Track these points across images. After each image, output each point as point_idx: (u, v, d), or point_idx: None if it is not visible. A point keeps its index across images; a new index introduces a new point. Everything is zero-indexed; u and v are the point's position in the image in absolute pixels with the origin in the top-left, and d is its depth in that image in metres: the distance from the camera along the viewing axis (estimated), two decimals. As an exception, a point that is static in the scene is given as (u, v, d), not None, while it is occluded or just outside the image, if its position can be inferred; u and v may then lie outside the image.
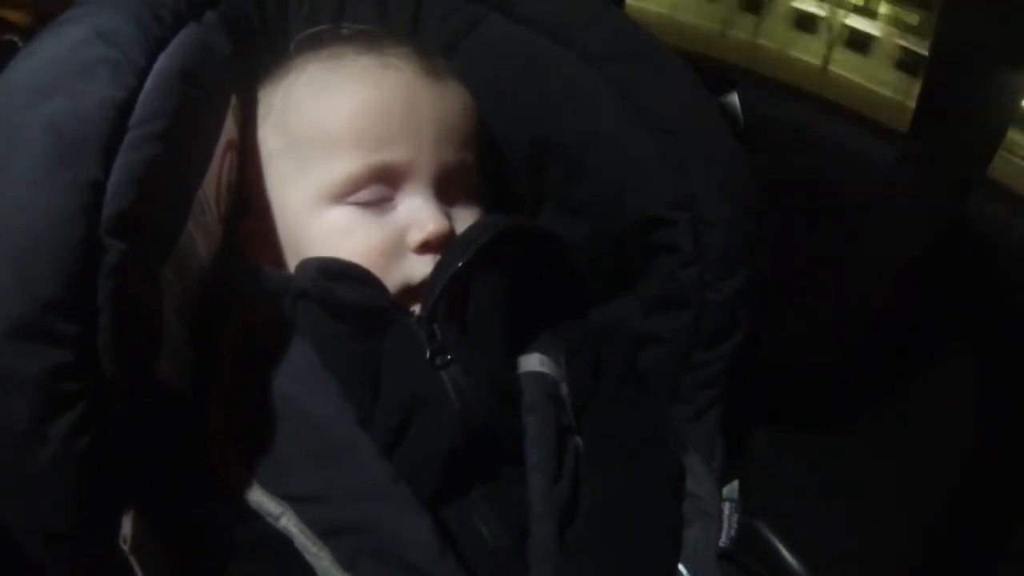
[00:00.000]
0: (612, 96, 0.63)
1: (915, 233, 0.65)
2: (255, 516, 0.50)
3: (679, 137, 0.62)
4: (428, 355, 0.55)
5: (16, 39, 0.70)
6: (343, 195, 0.59)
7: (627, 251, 0.65)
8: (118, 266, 0.43)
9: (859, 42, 1.61)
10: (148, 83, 0.48)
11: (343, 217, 0.59)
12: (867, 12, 1.66)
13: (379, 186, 0.59)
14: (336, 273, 0.55)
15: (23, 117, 0.44)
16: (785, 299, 0.68)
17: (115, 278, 0.43)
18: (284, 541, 0.49)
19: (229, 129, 0.58)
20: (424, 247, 0.58)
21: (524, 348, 0.60)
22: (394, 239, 0.58)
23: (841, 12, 1.66)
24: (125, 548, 0.44)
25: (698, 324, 0.63)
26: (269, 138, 0.62)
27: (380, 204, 0.59)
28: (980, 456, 0.67)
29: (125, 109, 0.46)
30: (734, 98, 0.78)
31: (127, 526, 0.44)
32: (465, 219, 0.61)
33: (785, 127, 0.78)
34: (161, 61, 0.50)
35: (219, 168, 0.57)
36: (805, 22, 1.68)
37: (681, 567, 0.55)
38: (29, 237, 0.41)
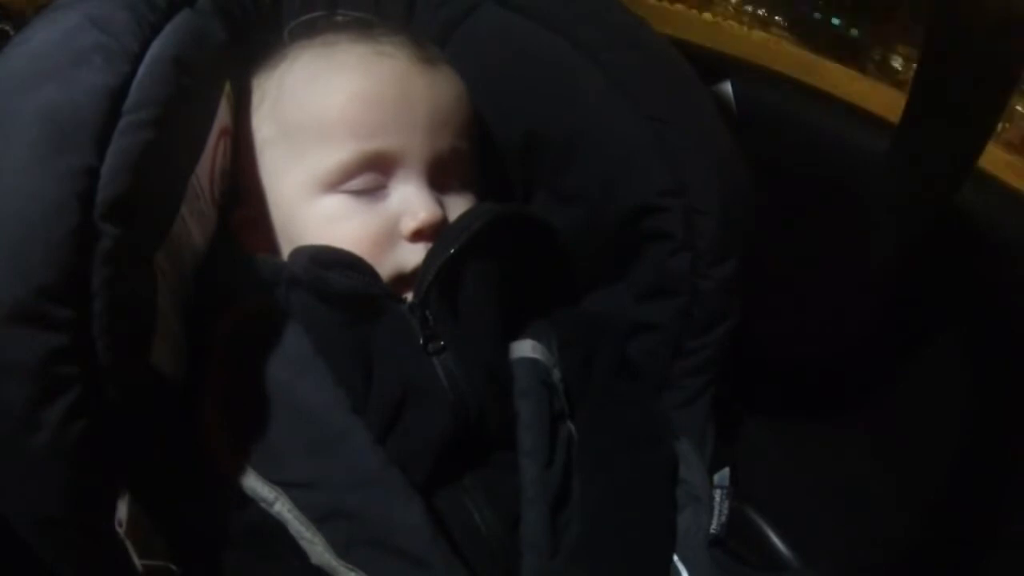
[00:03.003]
0: (605, 84, 0.63)
1: (907, 225, 0.65)
2: (249, 502, 0.50)
3: (671, 125, 0.62)
4: (421, 342, 0.55)
5: (8, 27, 0.70)
6: (336, 183, 0.59)
7: (619, 239, 0.66)
8: (112, 251, 0.43)
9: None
10: (142, 69, 0.48)
11: (336, 205, 0.59)
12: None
13: (372, 174, 0.59)
14: (328, 261, 0.55)
15: (16, 104, 0.44)
16: (777, 289, 0.68)
17: (109, 263, 0.43)
18: (278, 527, 0.49)
19: (223, 116, 0.58)
20: (416, 235, 0.58)
21: (516, 334, 0.60)
22: (387, 227, 0.59)
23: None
24: (121, 531, 0.44)
25: (689, 311, 0.63)
26: (263, 126, 0.62)
27: (373, 192, 0.59)
28: (970, 448, 0.67)
29: (119, 95, 0.46)
30: (727, 86, 0.78)
31: (123, 510, 0.44)
32: (458, 207, 0.61)
33: (778, 116, 0.78)
34: (155, 47, 0.50)
35: (212, 154, 0.57)
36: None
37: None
38: (23, 223, 0.41)
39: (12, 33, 0.66)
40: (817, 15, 1.14)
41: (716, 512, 0.58)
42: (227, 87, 0.59)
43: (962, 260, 0.67)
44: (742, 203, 0.63)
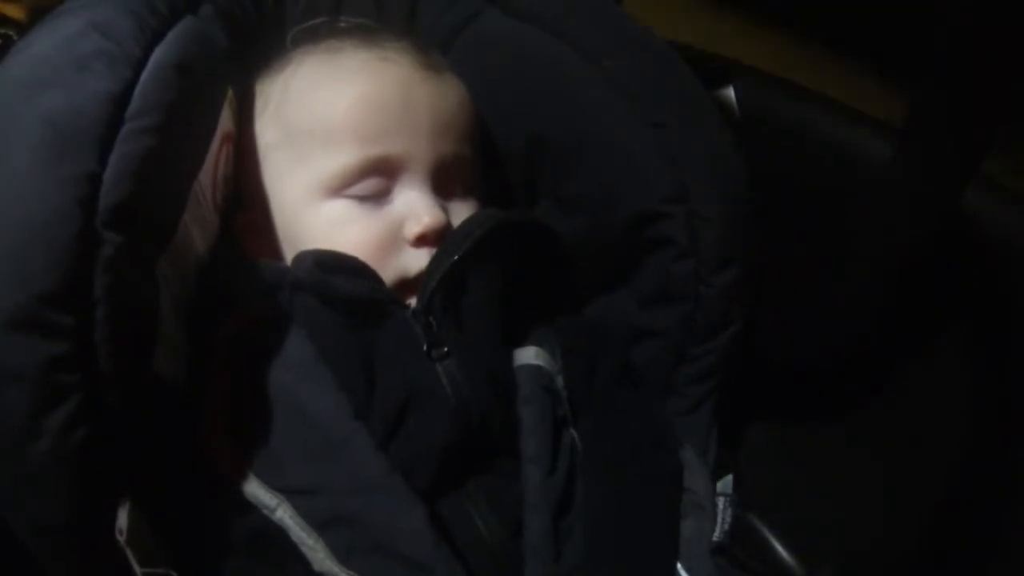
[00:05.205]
0: (607, 90, 0.63)
1: (909, 229, 0.65)
2: (251, 508, 0.50)
3: (673, 131, 0.62)
4: (424, 348, 0.55)
5: (11, 33, 0.70)
6: (340, 187, 0.59)
7: (622, 245, 0.65)
8: (114, 258, 0.43)
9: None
10: (144, 76, 0.48)
11: (340, 209, 0.59)
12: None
13: (376, 179, 0.59)
14: (332, 265, 0.55)
15: (19, 110, 0.44)
16: (780, 294, 0.68)
17: (111, 270, 0.43)
18: (280, 533, 0.49)
19: (225, 121, 0.58)
20: (420, 240, 0.58)
21: (519, 341, 0.60)
22: (391, 232, 0.59)
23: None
24: (121, 539, 0.44)
25: (692, 317, 0.63)
26: (267, 131, 0.62)
27: (377, 197, 0.59)
28: (972, 454, 0.67)
29: (121, 102, 0.46)
30: (730, 91, 0.78)
31: (123, 518, 0.44)
32: (462, 212, 0.61)
33: (781, 120, 0.77)
34: (157, 53, 0.50)
35: (215, 160, 0.57)
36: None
37: (675, 561, 0.55)
38: (26, 230, 0.41)
39: (15, 39, 0.66)
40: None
41: (719, 520, 0.58)
42: (230, 93, 0.60)
43: (962, 260, 0.67)
44: (744, 210, 0.63)
